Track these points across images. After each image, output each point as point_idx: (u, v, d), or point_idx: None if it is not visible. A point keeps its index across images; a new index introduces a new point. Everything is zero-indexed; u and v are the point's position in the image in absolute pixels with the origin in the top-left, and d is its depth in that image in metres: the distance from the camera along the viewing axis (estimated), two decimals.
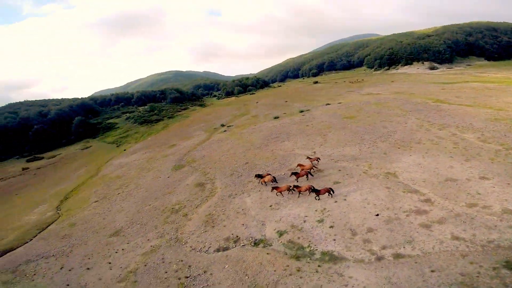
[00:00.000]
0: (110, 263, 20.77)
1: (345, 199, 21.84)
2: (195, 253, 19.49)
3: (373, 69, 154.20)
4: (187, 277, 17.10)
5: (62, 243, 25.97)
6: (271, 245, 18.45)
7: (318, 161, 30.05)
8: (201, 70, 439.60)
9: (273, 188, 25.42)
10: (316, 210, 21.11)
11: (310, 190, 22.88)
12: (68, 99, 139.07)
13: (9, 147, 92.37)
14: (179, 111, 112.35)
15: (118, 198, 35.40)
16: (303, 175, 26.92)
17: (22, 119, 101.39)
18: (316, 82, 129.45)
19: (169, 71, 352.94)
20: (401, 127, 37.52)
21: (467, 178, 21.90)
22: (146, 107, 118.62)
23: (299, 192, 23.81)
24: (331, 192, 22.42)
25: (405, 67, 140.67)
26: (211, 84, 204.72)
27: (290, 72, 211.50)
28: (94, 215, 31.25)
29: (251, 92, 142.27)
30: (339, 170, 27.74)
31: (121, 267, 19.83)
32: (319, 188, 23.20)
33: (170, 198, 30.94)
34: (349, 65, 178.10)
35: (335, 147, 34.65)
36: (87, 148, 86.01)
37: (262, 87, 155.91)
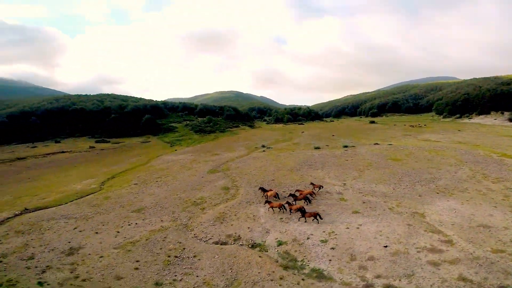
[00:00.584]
0: (118, 232, 22.56)
1: (358, 227, 20.40)
2: (195, 240, 20.22)
3: (442, 116, 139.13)
4: (176, 257, 17.81)
5: (89, 210, 28.60)
6: (267, 251, 18.14)
7: (320, 188, 30.21)
8: (259, 95, 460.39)
9: (267, 201, 25.72)
10: (323, 231, 20.13)
11: (300, 210, 22.53)
12: (145, 99, 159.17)
13: (87, 128, 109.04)
14: (231, 128, 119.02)
15: (154, 185, 38.64)
16: (300, 199, 26.65)
17: (105, 108, 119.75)
18: (372, 122, 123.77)
19: (231, 91, 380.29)
20: (449, 175, 33.51)
21: (504, 226, 18.63)
22: (204, 118, 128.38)
23: (290, 209, 23.94)
24: (318, 217, 21.77)
25: (480, 116, 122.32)
26: (265, 108, 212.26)
27: (347, 109, 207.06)
28: (128, 194, 34.50)
29: (300, 122, 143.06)
30: (363, 202, 26.03)
31: (125, 237, 21.49)
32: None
33: (196, 193, 32.73)
34: (415, 109, 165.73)
35: (368, 183, 32.64)
36: (146, 142, 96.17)
37: (313, 119, 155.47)
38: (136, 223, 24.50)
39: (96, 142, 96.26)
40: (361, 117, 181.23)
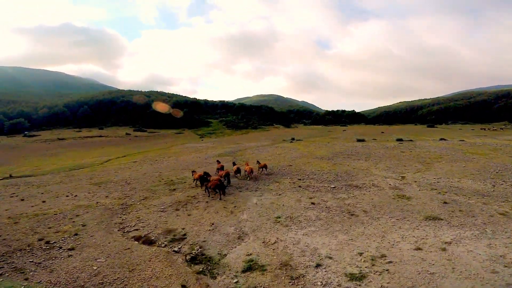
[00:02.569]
0: (44, 202, 15.61)
1: (444, 249, 8.35)
2: (111, 228, 10.56)
3: None
4: (48, 243, 8.63)
5: (59, 180, 23.17)
6: (215, 277, 7.39)
7: (264, 168, 21.88)
8: (300, 99, 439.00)
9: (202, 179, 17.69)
10: (358, 253, 8.59)
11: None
12: (189, 97, 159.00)
13: (130, 119, 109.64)
14: (264, 125, 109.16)
15: (149, 163, 31.37)
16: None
17: (148, 101, 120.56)
18: (431, 126, 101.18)
19: (271, 95, 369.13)
20: None
21: None
22: (239, 116, 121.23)
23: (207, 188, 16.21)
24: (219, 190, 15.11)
25: None
26: (305, 111, 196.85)
27: (399, 115, 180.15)
28: (115, 169, 28.31)
29: (342, 124, 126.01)
30: (444, 203, 13.27)
31: (41, 208, 14.10)
32: None
33: (183, 172, 24.02)
34: (483, 117, 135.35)
35: (443, 177, 19.24)
36: (180, 133, 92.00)
37: (358, 122, 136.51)
38: (76, 195, 16.52)
39: (134, 130, 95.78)
40: (416, 124, 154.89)
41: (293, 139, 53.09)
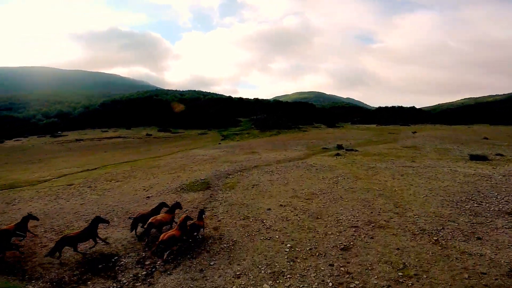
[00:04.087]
0: None
1: None
2: None
3: None
4: None
5: None
6: None
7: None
8: (344, 96, 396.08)
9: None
10: None
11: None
12: (224, 96, 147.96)
13: (162, 118, 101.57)
14: (301, 125, 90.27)
15: (106, 190, 16.80)
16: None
17: (180, 99, 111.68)
18: None
19: (311, 92, 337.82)
20: None
21: None
22: (270, 114, 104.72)
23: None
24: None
25: None
26: (352, 108, 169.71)
27: (465, 113, 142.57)
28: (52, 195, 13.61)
29: (402, 123, 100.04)
30: None
31: None
32: None
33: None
34: None
35: None
36: (203, 134, 79.88)
37: (422, 121, 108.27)
38: None
39: (158, 131, 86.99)
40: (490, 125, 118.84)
41: (340, 147, 34.22)
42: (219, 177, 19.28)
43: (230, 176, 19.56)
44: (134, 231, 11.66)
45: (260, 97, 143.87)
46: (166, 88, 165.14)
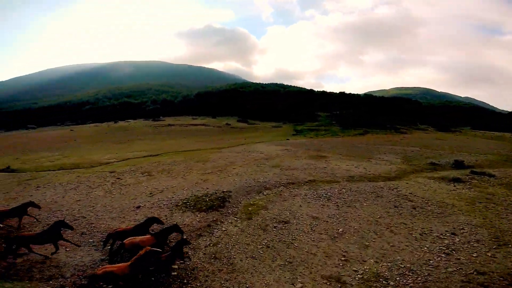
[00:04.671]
0: None
1: None
2: None
3: None
4: None
5: None
6: None
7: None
8: (462, 95, 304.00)
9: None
10: None
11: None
12: (305, 89, 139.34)
13: (244, 109, 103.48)
14: (398, 125, 71.48)
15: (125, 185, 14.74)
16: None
17: (260, 92, 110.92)
18: None
19: (416, 87, 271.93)
20: None
21: None
22: (356, 110, 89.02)
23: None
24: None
25: None
26: (473, 110, 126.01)
27: None
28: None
29: None
30: None
31: None
32: None
33: None
34: None
35: None
36: (276, 127, 75.73)
37: None
38: None
39: (238, 121, 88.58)
40: None
41: (459, 164, 21.29)
42: (248, 192, 13.28)
43: (264, 193, 13.22)
44: (105, 249, 9.34)
45: (351, 91, 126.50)
46: (253, 81, 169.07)
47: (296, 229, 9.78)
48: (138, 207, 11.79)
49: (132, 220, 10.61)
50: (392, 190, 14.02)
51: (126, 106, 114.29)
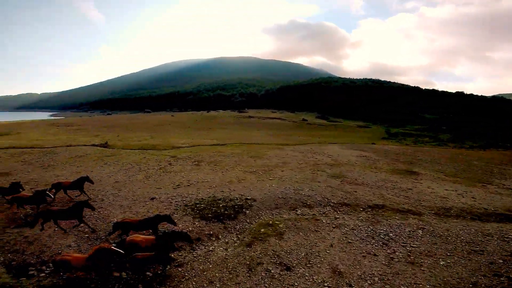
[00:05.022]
0: None
1: None
2: None
3: None
4: None
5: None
6: None
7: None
8: None
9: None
10: None
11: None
12: (394, 83, 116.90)
13: (325, 105, 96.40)
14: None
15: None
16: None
17: (342, 87, 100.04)
18: None
19: None
20: None
21: None
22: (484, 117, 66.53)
23: None
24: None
25: None
26: None
27: None
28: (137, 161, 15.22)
29: None
30: None
31: None
32: None
33: None
34: None
35: None
36: (362, 127, 66.97)
37: None
38: None
39: (316, 117, 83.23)
40: None
41: None
42: (278, 205, 10.39)
43: (298, 211, 10.05)
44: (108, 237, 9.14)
45: (472, 92, 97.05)
46: (342, 76, 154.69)
47: (294, 286, 6.26)
48: (153, 198, 11.11)
49: (134, 212, 9.84)
50: (507, 242, 8.05)
51: (219, 98, 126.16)
